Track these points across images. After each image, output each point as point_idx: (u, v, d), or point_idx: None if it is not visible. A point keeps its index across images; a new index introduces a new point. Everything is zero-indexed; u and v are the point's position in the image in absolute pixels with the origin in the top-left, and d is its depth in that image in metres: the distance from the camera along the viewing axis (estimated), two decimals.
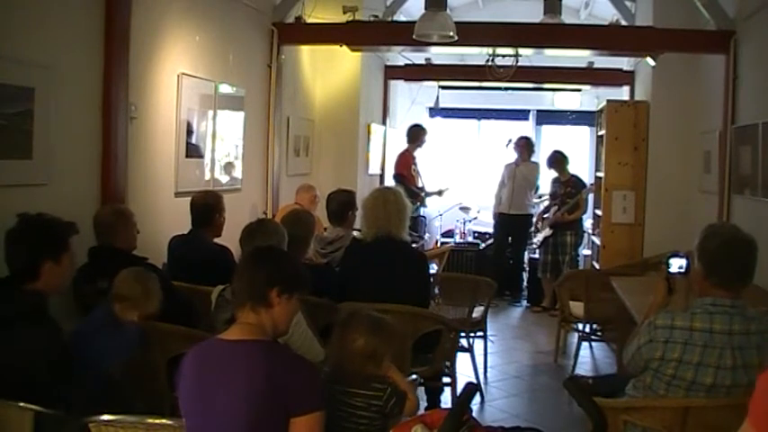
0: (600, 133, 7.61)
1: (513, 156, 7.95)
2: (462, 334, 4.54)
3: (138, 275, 2.98)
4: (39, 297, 2.51)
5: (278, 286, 2.12)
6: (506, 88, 9.10)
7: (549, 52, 6.96)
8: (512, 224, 7.91)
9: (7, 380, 2.29)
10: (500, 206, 7.97)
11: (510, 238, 8.01)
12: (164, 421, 2.15)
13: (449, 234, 9.25)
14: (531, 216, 7.93)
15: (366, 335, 2.42)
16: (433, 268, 5.66)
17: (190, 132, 4.76)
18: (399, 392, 2.41)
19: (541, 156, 8.23)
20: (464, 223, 9.02)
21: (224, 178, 5.38)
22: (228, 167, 5.47)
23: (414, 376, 3.04)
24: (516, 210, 7.82)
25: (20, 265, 2.53)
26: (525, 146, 7.93)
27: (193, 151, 4.83)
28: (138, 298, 2.91)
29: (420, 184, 8.39)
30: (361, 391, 2.35)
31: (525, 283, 8.22)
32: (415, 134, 8.35)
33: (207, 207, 4.11)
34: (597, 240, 7.32)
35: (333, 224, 4.60)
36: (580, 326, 5.59)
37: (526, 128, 10.51)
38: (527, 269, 8.24)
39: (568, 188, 7.39)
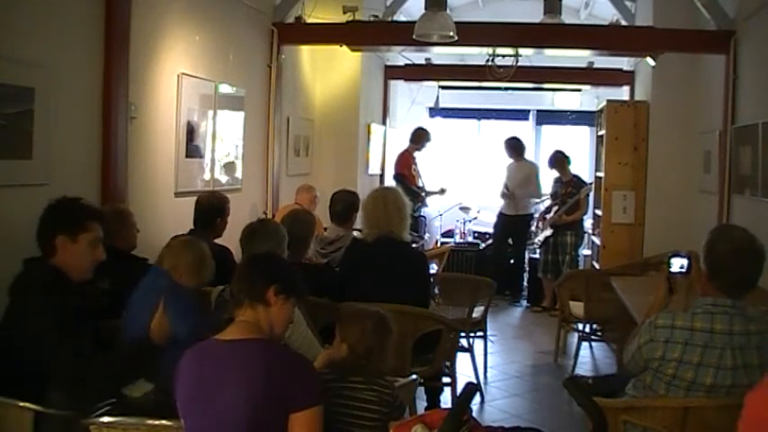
0: (600, 133, 7.61)
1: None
2: (462, 334, 4.54)
3: (187, 244, 3.01)
4: (58, 270, 2.54)
5: (275, 285, 2.15)
6: (506, 88, 9.11)
7: (549, 52, 6.96)
8: (511, 224, 7.90)
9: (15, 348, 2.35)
10: (502, 206, 7.99)
11: (510, 239, 8.01)
12: (164, 422, 2.15)
13: (449, 234, 9.25)
14: (531, 216, 7.93)
15: (391, 332, 2.52)
16: (433, 268, 5.65)
17: (190, 132, 4.76)
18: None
19: (542, 156, 8.22)
20: (464, 223, 9.02)
21: (224, 178, 5.38)
22: (228, 167, 5.46)
23: (414, 376, 3.04)
24: (514, 210, 7.82)
25: (40, 238, 2.60)
26: (510, 146, 7.94)
27: (193, 151, 4.83)
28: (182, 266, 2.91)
29: (420, 184, 8.40)
30: (372, 386, 2.38)
31: (525, 283, 8.22)
32: (419, 136, 8.35)
33: (211, 209, 4.09)
34: (597, 240, 7.32)
35: (335, 224, 4.59)
36: (580, 326, 5.59)
37: (526, 128, 10.52)
38: (527, 269, 8.24)
39: (569, 188, 7.39)
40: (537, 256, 7.73)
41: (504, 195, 7.93)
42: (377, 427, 2.36)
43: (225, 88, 5.30)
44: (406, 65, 8.83)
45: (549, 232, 7.43)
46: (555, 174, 7.61)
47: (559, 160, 7.52)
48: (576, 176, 7.53)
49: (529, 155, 8.23)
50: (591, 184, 7.61)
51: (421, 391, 3.90)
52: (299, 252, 3.77)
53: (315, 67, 7.45)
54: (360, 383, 2.38)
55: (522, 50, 6.35)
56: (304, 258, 3.93)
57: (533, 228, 7.84)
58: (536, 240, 7.69)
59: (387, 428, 2.35)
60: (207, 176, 5.08)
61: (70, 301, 2.49)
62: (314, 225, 4.06)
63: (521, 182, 7.81)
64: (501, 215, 8.00)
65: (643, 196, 6.85)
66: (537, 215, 7.88)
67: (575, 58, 8.10)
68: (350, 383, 2.38)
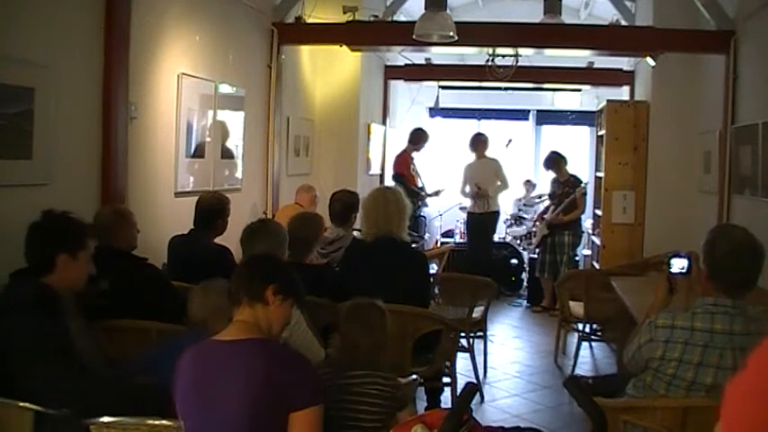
0: (600, 133, 7.60)
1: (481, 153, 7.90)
2: (462, 334, 4.54)
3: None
4: (50, 290, 2.52)
5: (274, 284, 2.15)
6: (506, 88, 9.10)
7: (549, 52, 6.96)
8: (479, 222, 7.81)
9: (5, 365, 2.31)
10: (470, 206, 7.90)
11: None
12: (164, 422, 2.15)
13: (449, 234, 9.25)
14: (498, 213, 7.88)
15: (387, 326, 2.54)
16: (433, 268, 5.65)
17: (190, 132, 4.76)
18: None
19: (542, 156, 8.21)
20: (464, 223, 9.00)
21: (224, 178, 5.38)
22: (229, 167, 5.46)
23: (414, 376, 3.04)
24: (483, 208, 7.70)
25: (36, 257, 2.59)
26: (479, 142, 7.85)
27: (193, 151, 4.83)
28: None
29: (420, 184, 8.39)
30: (375, 380, 2.40)
31: (525, 283, 8.20)
32: (418, 137, 8.33)
33: (211, 210, 4.08)
34: (597, 240, 7.32)
35: (335, 224, 4.59)
36: (580, 326, 5.59)
37: (526, 128, 10.52)
38: (527, 269, 8.22)
39: (566, 188, 7.39)
40: (535, 256, 7.73)
41: (475, 195, 7.71)
42: (379, 420, 2.37)
43: (225, 88, 5.30)
44: (406, 65, 8.82)
45: (546, 232, 7.43)
46: (552, 175, 7.61)
47: (555, 161, 7.51)
48: (572, 176, 7.52)
49: (529, 155, 8.19)
50: (586, 183, 7.61)
51: (421, 391, 3.90)
52: (303, 254, 3.76)
53: (315, 67, 7.45)
54: (361, 377, 2.39)
55: (522, 50, 6.35)
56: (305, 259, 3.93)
57: (534, 228, 7.82)
58: (533, 241, 7.68)
59: (389, 422, 2.36)
60: (207, 176, 5.08)
61: (64, 321, 2.47)
62: (321, 228, 4.06)
63: (487, 179, 7.74)
64: (470, 214, 7.86)
65: (643, 196, 6.85)
66: (535, 216, 7.86)
67: (575, 58, 8.10)
68: (353, 379, 2.39)
